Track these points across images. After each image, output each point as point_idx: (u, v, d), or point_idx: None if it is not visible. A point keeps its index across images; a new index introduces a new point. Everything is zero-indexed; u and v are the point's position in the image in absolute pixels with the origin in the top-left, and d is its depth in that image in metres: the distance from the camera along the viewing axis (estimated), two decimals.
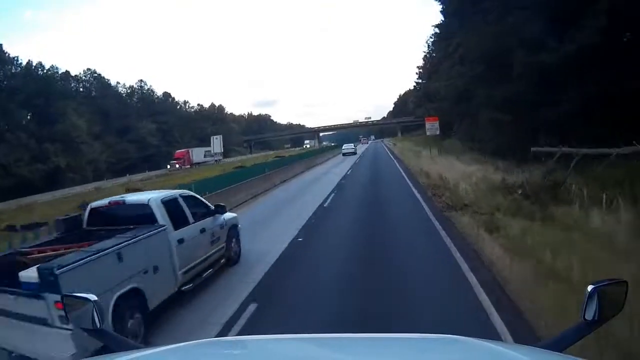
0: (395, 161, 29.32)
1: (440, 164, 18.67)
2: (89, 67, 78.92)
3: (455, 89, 25.69)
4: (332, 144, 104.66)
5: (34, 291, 3.97)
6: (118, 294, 4.39)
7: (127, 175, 52.89)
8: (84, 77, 74.60)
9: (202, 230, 6.52)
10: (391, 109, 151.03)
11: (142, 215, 5.60)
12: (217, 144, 67.51)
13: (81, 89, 74.71)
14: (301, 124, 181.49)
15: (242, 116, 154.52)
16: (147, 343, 4.42)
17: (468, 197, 10.61)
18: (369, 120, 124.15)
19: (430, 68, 53.65)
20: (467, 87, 22.09)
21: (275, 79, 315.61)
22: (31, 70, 59.54)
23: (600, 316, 1.43)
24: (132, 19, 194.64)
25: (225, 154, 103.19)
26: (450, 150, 27.02)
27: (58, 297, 3.62)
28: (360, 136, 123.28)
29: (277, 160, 29.93)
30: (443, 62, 31.79)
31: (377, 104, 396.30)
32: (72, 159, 57.63)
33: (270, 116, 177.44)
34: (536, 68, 14.57)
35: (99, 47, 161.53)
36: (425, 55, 57.16)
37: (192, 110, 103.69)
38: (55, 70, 67.04)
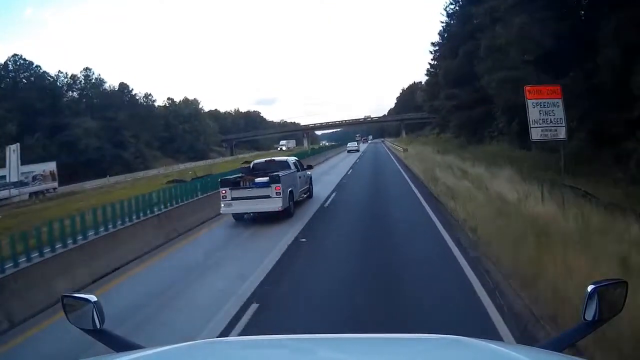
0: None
1: None
2: (21, 54, 63.48)
3: None
4: (327, 144, 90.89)
5: (265, 183, 10.56)
6: (289, 190, 11.22)
7: None
8: (10, 66, 59.42)
9: (303, 175, 13.62)
10: (392, 106, 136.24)
11: (283, 166, 12.63)
12: (13, 161, 29.81)
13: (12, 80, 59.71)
14: (297, 122, 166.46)
15: (229, 113, 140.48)
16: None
17: None
18: (368, 117, 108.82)
19: (452, 43, 38.60)
20: None
21: (274, 77, 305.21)
22: None
23: (600, 316, 1.42)
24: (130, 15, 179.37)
25: (201, 156, 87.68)
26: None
27: (277, 185, 10.44)
28: (357, 135, 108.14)
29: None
30: None
31: (378, 103, 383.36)
32: None
33: (259, 113, 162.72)
34: None
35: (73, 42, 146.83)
36: (443, 27, 42.18)
37: (159, 104, 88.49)
38: None
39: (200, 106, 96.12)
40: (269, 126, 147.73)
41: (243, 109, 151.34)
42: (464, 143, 34.59)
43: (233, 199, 10.61)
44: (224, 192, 10.66)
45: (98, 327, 1.60)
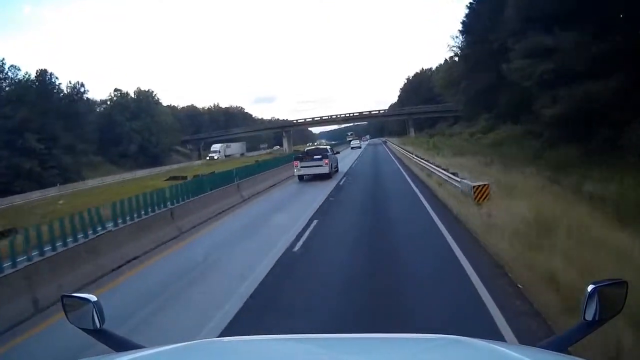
0: None
1: None
2: None
3: None
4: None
5: (319, 158, 20.45)
6: (332, 164, 21.92)
7: None
8: None
9: (334, 157, 24.02)
10: (394, 101, 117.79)
11: (324, 151, 21.86)
12: None
13: None
14: (290, 119, 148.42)
15: (208, 109, 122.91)
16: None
17: None
18: (365, 112, 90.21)
19: None
20: None
21: (273, 76, 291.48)
22: None
23: (600, 316, 1.41)
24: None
25: (156, 161, 68.53)
26: None
27: (326, 159, 20.38)
28: (350, 133, 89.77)
29: None
30: None
31: (378, 100, 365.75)
32: None
33: (243, 109, 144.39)
34: None
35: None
36: None
37: (102, 98, 70.16)
38: None
39: (156, 98, 77.08)
40: (255, 123, 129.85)
41: (224, 104, 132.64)
42: (573, 155, 16.15)
43: (302, 167, 20.05)
44: (296, 163, 20.38)
45: (98, 327, 1.59)
